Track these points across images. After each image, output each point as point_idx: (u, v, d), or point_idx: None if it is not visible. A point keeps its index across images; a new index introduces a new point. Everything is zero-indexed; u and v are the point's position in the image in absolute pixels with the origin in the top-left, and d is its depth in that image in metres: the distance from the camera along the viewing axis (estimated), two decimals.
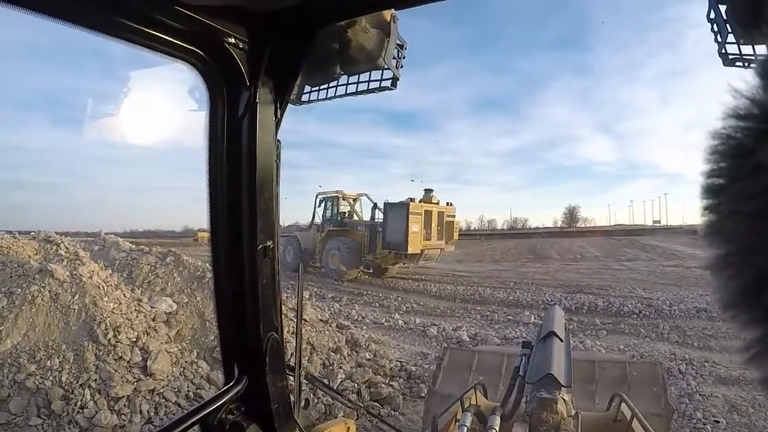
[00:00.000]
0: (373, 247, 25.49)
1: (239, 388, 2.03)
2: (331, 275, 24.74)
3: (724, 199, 0.48)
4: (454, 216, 27.78)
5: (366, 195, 28.84)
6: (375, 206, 27.14)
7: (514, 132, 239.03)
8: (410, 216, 23.63)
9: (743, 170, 0.46)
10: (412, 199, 24.90)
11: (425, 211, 24.87)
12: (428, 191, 26.41)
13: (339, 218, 27.97)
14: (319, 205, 28.28)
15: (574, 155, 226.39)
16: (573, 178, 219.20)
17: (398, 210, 24.31)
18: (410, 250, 23.81)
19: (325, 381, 8.08)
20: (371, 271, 26.07)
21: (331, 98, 2.45)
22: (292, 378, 2.34)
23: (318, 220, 28.25)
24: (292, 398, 2.29)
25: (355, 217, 28.31)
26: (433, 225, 25.39)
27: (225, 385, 2.05)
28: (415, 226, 23.87)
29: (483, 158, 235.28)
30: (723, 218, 0.48)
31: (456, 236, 28.48)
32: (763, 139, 0.45)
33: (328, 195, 28.34)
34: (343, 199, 28.48)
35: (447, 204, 27.18)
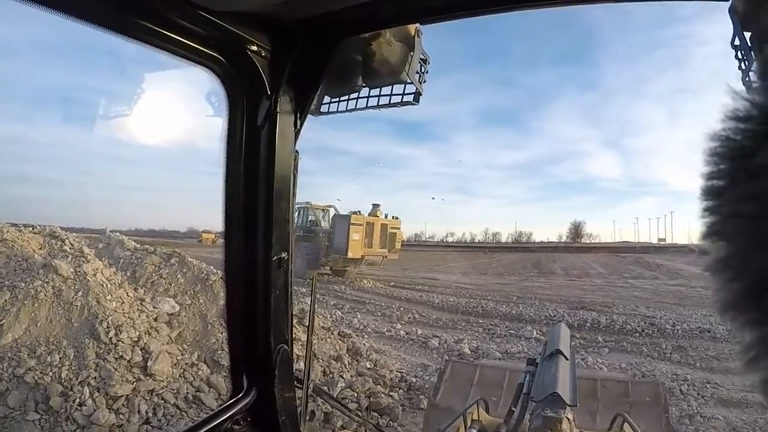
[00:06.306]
0: (329, 251, 28.94)
1: (248, 400, 2.01)
2: (296, 274, 26.26)
3: (725, 201, 0.48)
4: (398, 228, 32.37)
5: (334, 206, 31.92)
6: (335, 216, 30.82)
7: (520, 146, 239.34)
8: (351, 226, 28.14)
9: (743, 172, 0.46)
10: (355, 213, 29.43)
11: (367, 222, 29.45)
12: (375, 206, 31.39)
13: (308, 226, 30.69)
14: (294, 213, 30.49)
15: (579, 170, 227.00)
16: (578, 193, 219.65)
17: (342, 221, 28.92)
18: (350, 255, 28.09)
19: (325, 388, 8.05)
20: (328, 272, 29.45)
21: (351, 110, 2.42)
22: (299, 390, 2.32)
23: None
24: (298, 410, 2.27)
25: (321, 226, 31.03)
26: (375, 235, 29.85)
27: (233, 397, 2.03)
28: (356, 235, 28.25)
29: (488, 171, 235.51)
30: (723, 220, 0.49)
31: (398, 246, 32.88)
32: (763, 141, 0.45)
33: (301, 205, 30.65)
34: (311, 209, 31.17)
35: (393, 218, 32.07)
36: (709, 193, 0.49)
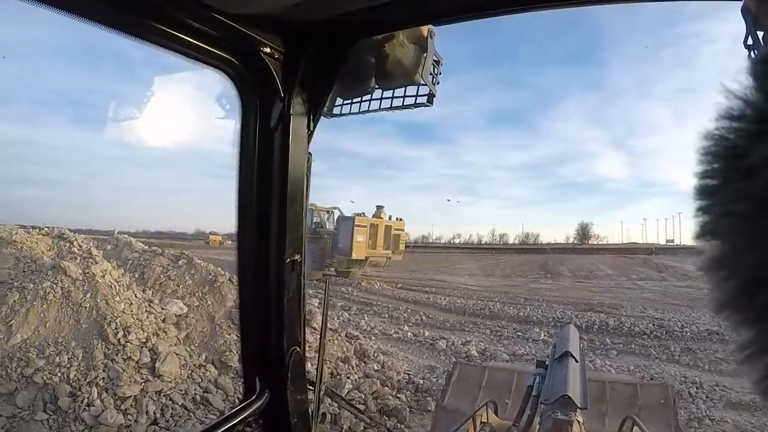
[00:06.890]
0: (334, 253, 29.19)
1: (261, 402, 2.01)
2: None
3: (718, 200, 0.48)
4: (402, 230, 32.78)
5: (338, 208, 32.13)
6: (339, 218, 30.96)
7: (527, 147, 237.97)
8: (355, 228, 28.37)
9: (737, 171, 0.46)
10: (359, 214, 29.76)
11: (371, 224, 29.73)
12: (379, 207, 31.73)
13: (313, 227, 30.49)
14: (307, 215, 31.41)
15: (586, 171, 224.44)
16: (585, 194, 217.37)
17: (347, 223, 29.10)
18: (354, 256, 28.35)
19: (333, 389, 8.04)
20: (333, 273, 29.42)
21: (364, 112, 2.42)
22: (311, 392, 2.32)
23: None
24: (310, 412, 2.27)
25: (325, 227, 31.27)
26: (379, 236, 30.09)
27: (245, 399, 2.03)
28: (360, 237, 28.53)
29: (495, 172, 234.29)
30: (716, 219, 0.48)
31: (402, 247, 33.14)
32: (756, 140, 0.45)
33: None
34: (316, 211, 31.16)
35: (397, 219, 32.44)
36: (702, 192, 0.49)
